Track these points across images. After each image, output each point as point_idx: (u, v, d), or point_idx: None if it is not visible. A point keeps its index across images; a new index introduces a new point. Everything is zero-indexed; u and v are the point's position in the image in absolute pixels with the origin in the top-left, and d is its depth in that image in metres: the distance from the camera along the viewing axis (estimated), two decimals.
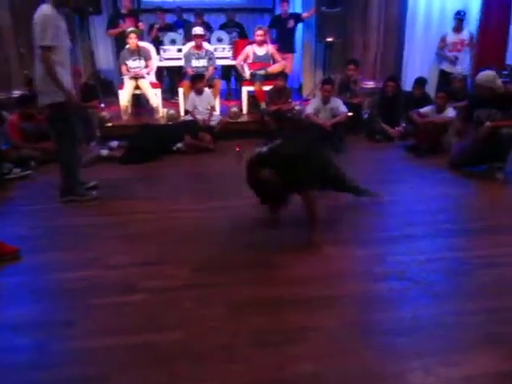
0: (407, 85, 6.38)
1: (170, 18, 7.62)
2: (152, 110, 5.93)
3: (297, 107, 5.78)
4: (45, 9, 3.21)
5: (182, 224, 3.22)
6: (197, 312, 2.24)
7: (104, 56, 7.71)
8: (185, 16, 7.39)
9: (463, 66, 6.37)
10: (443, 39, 6.42)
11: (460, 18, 6.26)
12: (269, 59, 6.07)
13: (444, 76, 6.35)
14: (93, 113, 5.28)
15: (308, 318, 2.18)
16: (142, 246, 2.91)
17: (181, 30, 6.95)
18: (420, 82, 5.62)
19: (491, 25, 6.65)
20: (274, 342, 2.02)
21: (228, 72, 7.14)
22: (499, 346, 1.98)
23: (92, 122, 5.17)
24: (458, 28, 6.31)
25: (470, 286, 2.46)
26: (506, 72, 5.93)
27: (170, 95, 6.77)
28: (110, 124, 5.54)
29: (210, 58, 5.95)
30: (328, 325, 2.13)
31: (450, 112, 4.95)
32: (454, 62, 6.31)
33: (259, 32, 6.00)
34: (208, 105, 5.48)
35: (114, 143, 4.98)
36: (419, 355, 1.94)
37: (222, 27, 7.23)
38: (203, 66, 5.89)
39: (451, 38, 6.36)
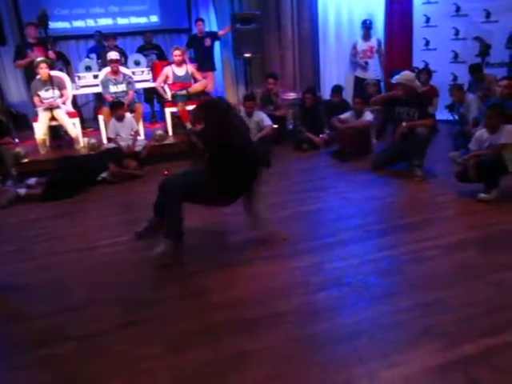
0: (326, 93, 6.62)
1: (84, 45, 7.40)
2: (71, 141, 5.64)
3: None
4: None
5: (110, 260, 3.03)
6: (132, 354, 2.08)
7: (15, 89, 7.31)
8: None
9: (374, 72, 6.74)
10: (354, 47, 6.78)
11: (366, 26, 6.64)
12: (189, 79, 6.02)
13: (358, 82, 6.69)
14: (5, 150, 4.92)
15: (249, 342, 2.11)
16: (66, 290, 2.69)
17: (93, 55, 6.72)
18: (336, 90, 5.85)
19: (396, 31, 7.12)
20: (217, 373, 1.93)
21: (150, 94, 7.01)
22: (434, 339, 2.04)
23: (5, 160, 4.81)
24: (366, 36, 6.69)
25: (402, 282, 2.53)
26: (414, 74, 6.31)
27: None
28: (26, 160, 5.18)
29: (129, 82, 5.78)
30: (270, 345, 2.07)
31: (368, 116, 5.19)
32: (365, 67, 6.67)
33: (176, 52, 5.95)
34: (131, 130, 5.32)
35: (32, 180, 4.63)
36: (362, 361, 1.94)
37: (140, 50, 7.11)
38: (123, 91, 5.71)
39: (361, 45, 6.74)
